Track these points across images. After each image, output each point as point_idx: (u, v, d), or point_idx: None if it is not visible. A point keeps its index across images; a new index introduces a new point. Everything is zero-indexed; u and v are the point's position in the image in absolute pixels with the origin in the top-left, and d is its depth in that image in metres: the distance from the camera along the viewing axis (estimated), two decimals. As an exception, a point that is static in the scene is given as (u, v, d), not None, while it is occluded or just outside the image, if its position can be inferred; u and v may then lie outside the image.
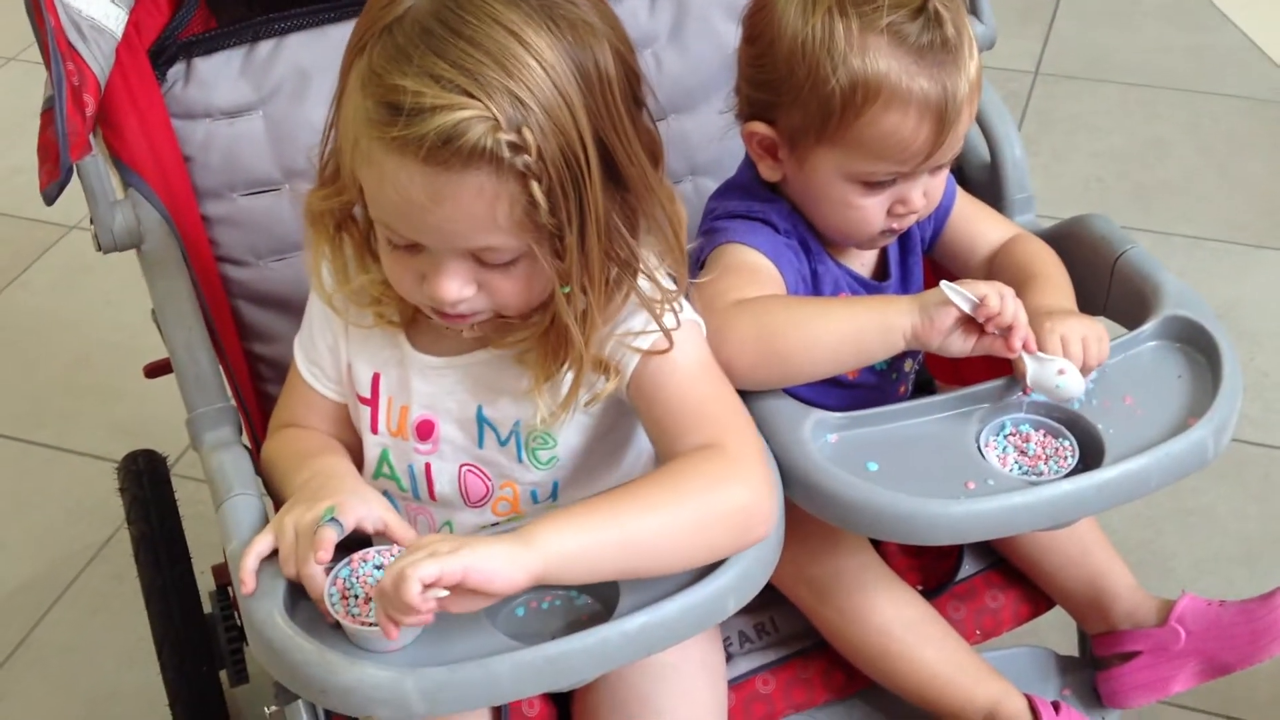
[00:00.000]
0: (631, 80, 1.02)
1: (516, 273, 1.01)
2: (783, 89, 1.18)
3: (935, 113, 1.14)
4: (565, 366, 1.05)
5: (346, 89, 0.99)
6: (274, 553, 1.01)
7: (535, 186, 0.94)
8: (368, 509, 1.03)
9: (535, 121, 0.93)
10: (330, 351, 1.17)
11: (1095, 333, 1.16)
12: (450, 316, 1.04)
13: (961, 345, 1.13)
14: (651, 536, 0.98)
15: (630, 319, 1.07)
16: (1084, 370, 1.14)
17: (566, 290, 1.00)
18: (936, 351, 1.14)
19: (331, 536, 0.98)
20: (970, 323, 1.12)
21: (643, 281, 1.05)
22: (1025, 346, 1.12)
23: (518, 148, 0.93)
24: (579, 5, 0.97)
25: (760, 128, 1.21)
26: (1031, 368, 1.13)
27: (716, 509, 1.01)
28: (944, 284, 1.12)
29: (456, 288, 1.00)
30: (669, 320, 1.06)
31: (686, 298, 1.12)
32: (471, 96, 0.92)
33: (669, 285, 1.07)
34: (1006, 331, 1.12)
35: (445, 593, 0.90)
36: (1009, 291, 1.12)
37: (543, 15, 0.95)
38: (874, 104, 1.13)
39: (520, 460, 1.13)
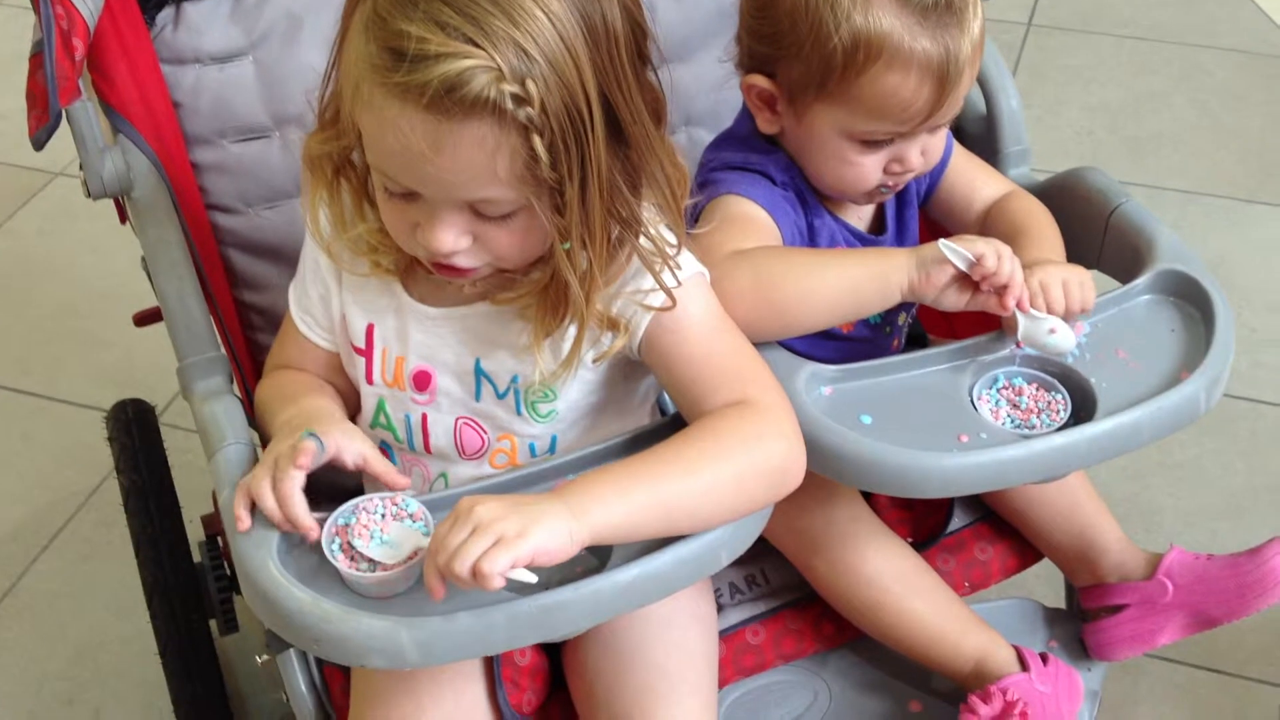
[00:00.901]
0: (638, 36, 1.00)
1: (514, 226, 1.00)
2: (784, 43, 1.17)
3: (937, 74, 1.13)
4: (566, 322, 1.05)
5: (349, 31, 0.98)
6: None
7: (537, 140, 0.93)
8: (349, 441, 1.05)
9: (540, 74, 0.92)
10: (322, 301, 1.16)
11: (1077, 278, 1.16)
12: (448, 269, 1.03)
13: (956, 300, 1.13)
14: (694, 498, 1.00)
15: (639, 277, 1.06)
16: (1067, 314, 1.14)
17: (567, 247, 0.99)
18: (931, 305, 1.15)
19: (312, 447, 1.00)
20: (966, 279, 1.12)
21: (644, 240, 1.04)
22: (1019, 305, 1.12)
23: (521, 100, 0.92)
24: None
25: (760, 80, 1.21)
26: (1023, 325, 1.13)
27: (756, 466, 1.02)
28: (941, 242, 1.11)
29: (451, 238, 1.00)
30: (669, 279, 1.05)
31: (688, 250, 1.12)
32: (476, 45, 0.91)
33: (669, 242, 1.06)
34: (1001, 290, 1.12)
35: (516, 570, 0.92)
36: (1007, 251, 1.12)
37: None
38: (875, 63, 1.12)
39: (519, 413, 1.12)
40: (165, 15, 1.30)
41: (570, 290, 1.02)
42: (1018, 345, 1.16)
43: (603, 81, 0.96)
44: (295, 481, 0.99)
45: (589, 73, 0.94)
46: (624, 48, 0.97)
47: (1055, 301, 1.14)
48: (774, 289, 1.13)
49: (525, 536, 0.92)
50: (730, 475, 1.01)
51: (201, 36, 1.31)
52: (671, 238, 1.07)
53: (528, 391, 1.11)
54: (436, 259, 1.02)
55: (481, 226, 1.00)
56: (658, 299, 1.05)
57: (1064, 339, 1.13)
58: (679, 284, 1.06)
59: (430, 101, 0.91)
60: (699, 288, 1.09)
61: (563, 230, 0.98)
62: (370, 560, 0.98)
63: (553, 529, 0.93)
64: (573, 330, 1.05)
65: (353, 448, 1.05)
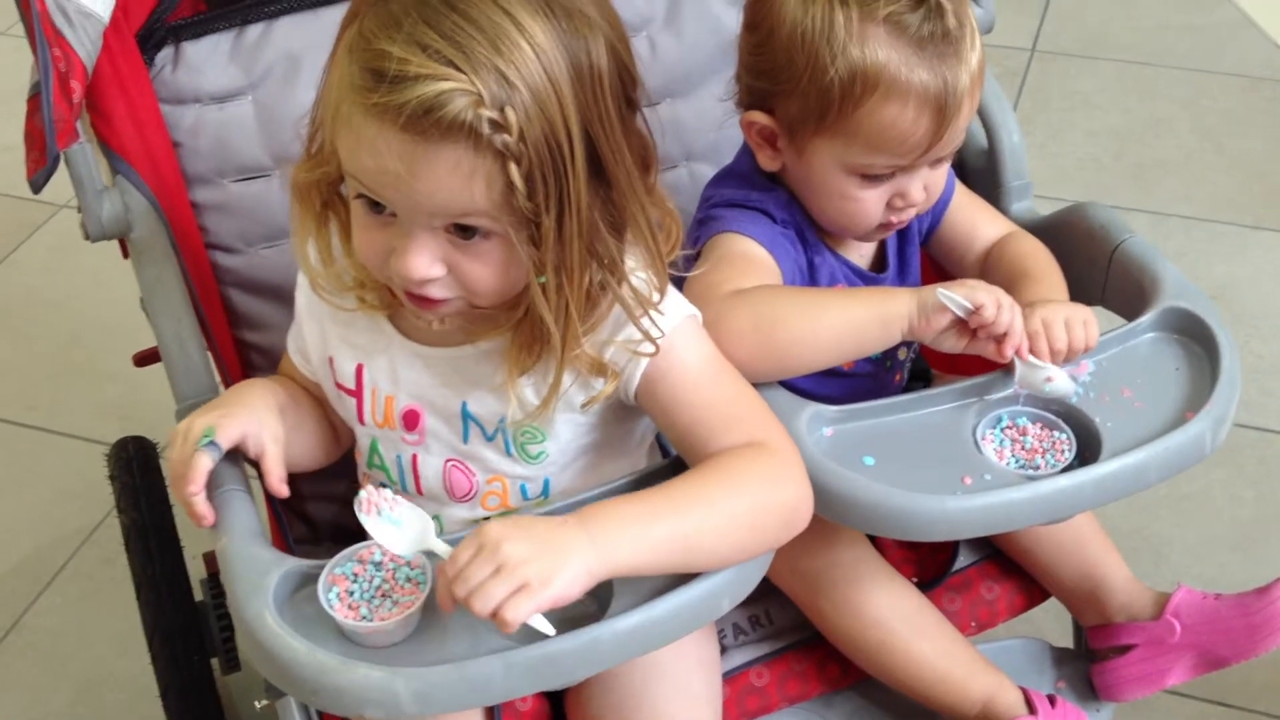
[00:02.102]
0: (625, 81, 1.00)
1: (489, 258, 0.99)
2: (782, 78, 1.16)
3: (935, 105, 1.12)
4: (540, 362, 1.04)
5: (335, 55, 0.98)
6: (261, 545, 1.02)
7: (514, 168, 0.93)
8: (257, 427, 1.07)
9: (520, 102, 0.92)
10: (313, 343, 1.17)
11: (1080, 316, 1.15)
12: (420, 300, 1.02)
13: (954, 344, 1.13)
14: (712, 536, 0.99)
15: (627, 327, 1.05)
16: (1070, 353, 1.14)
17: (542, 280, 0.98)
18: (931, 346, 1.14)
19: (205, 464, 1.03)
20: (965, 324, 1.12)
21: (627, 288, 1.03)
22: (1018, 353, 1.12)
23: (498, 126, 0.92)
24: None
25: (759, 117, 1.20)
26: (1021, 371, 1.13)
27: (770, 506, 1.03)
28: (940, 291, 1.11)
29: (425, 264, 0.98)
30: (651, 326, 1.04)
31: (679, 289, 1.11)
32: (457, 69, 0.91)
33: (648, 292, 1.05)
34: (999, 338, 1.11)
35: (540, 617, 0.93)
36: (1007, 300, 1.11)
37: (541, 2, 0.94)
38: (873, 95, 1.12)
39: (509, 454, 1.12)
40: (164, 55, 1.29)
41: (545, 327, 1.01)
42: (1021, 385, 1.15)
43: (585, 119, 0.95)
44: (198, 503, 1.03)
45: (572, 108, 0.94)
46: (609, 88, 0.97)
47: (1057, 339, 1.13)
48: (775, 330, 1.12)
49: (548, 585, 0.92)
50: (747, 514, 1.01)
51: (201, 76, 1.30)
52: (650, 289, 1.06)
53: (518, 433, 1.10)
54: (409, 287, 1.01)
55: (456, 256, 0.99)
56: (651, 347, 1.04)
57: (1061, 387, 1.12)
58: (662, 333, 1.05)
59: (407, 122, 0.91)
60: (692, 332, 1.08)
61: (538, 263, 0.97)
62: (369, 606, 0.97)
63: (574, 575, 0.93)
64: (552, 371, 1.04)
65: (257, 439, 1.07)
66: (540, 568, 0.92)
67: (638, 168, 1.02)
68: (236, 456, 1.09)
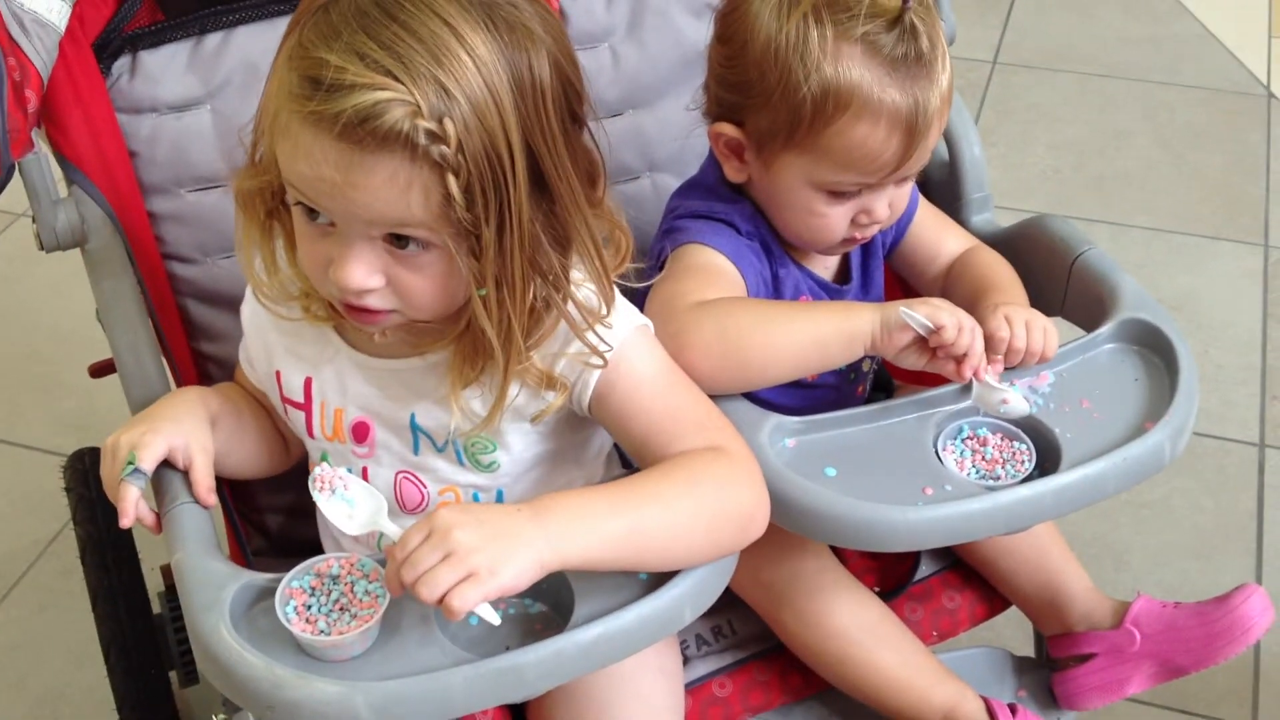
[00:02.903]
0: (570, 95, 0.99)
1: (428, 270, 0.98)
2: (753, 92, 1.16)
3: (905, 125, 1.13)
4: (481, 374, 1.03)
5: (276, 64, 0.98)
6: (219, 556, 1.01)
7: (451, 180, 0.92)
8: (184, 440, 1.06)
9: (459, 114, 0.91)
10: (258, 357, 1.16)
11: (1040, 322, 1.16)
12: (358, 312, 1.01)
13: (915, 361, 1.13)
14: (666, 536, 0.99)
15: (575, 341, 1.04)
16: (1027, 357, 1.14)
17: (483, 293, 0.98)
18: (891, 361, 1.14)
19: (132, 496, 1.03)
20: (926, 343, 1.12)
21: (572, 303, 1.03)
22: (975, 374, 1.12)
23: (436, 137, 0.91)
24: (521, 10, 0.95)
25: (727, 129, 1.20)
26: (977, 391, 1.14)
27: (728, 509, 1.02)
28: (903, 310, 1.11)
29: (362, 274, 0.97)
30: (599, 340, 1.04)
31: (640, 300, 1.11)
32: (395, 79, 0.90)
33: (596, 305, 1.05)
34: (959, 359, 1.11)
35: (490, 610, 0.93)
36: (969, 322, 1.11)
37: (482, 13, 0.93)
38: (844, 113, 1.12)
39: (461, 464, 1.11)
40: (121, 64, 1.28)
41: (488, 340, 1.00)
42: (982, 397, 1.16)
43: (527, 131, 0.95)
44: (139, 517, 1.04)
45: (513, 120, 0.93)
46: (551, 102, 0.96)
47: (1018, 338, 1.14)
48: (740, 343, 1.12)
49: (497, 575, 0.91)
50: (704, 516, 1.01)
51: (158, 85, 1.29)
52: (595, 301, 1.05)
53: (469, 443, 1.09)
54: (347, 298, 1.00)
55: (395, 268, 0.98)
56: (600, 359, 1.04)
57: (1016, 409, 1.13)
58: (610, 346, 1.04)
59: (343, 130, 0.91)
60: (643, 343, 1.08)
61: (478, 275, 0.97)
62: (327, 620, 0.96)
63: (524, 566, 0.92)
64: (499, 384, 1.03)
65: (185, 451, 1.06)
66: (490, 556, 0.91)
67: (583, 182, 1.01)
68: None
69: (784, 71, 1.13)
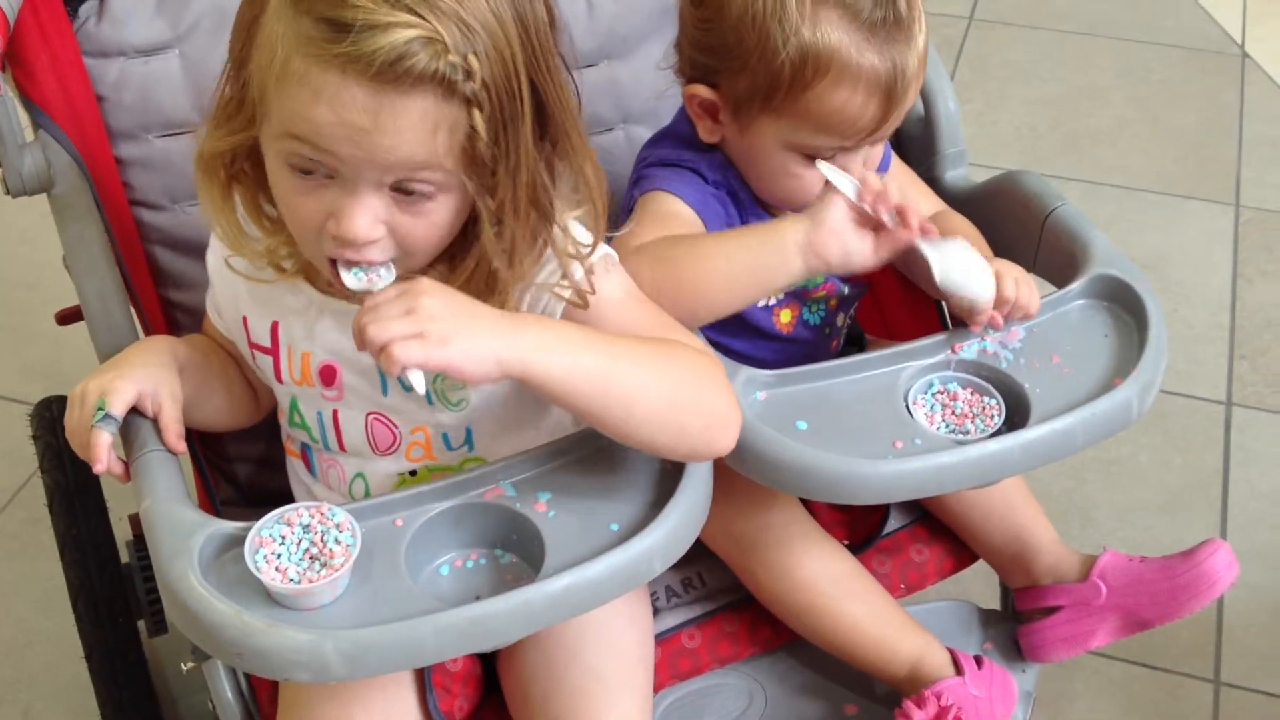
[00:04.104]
0: (556, 32, 1.00)
1: (430, 215, 0.98)
2: (729, 56, 1.15)
3: (884, 89, 1.12)
4: None
5: (266, 12, 0.95)
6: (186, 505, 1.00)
7: (478, 115, 0.92)
8: (153, 386, 1.06)
9: (481, 49, 0.92)
10: (226, 303, 1.16)
11: (1028, 279, 1.17)
12: (349, 267, 1.00)
13: (861, 246, 1.11)
14: (634, 388, 0.99)
15: (549, 265, 1.05)
16: (1014, 310, 1.15)
17: (495, 230, 0.98)
18: (840, 265, 1.12)
19: (105, 440, 1.02)
20: (864, 220, 1.11)
21: (557, 233, 1.03)
22: (924, 228, 1.11)
23: (467, 73, 0.91)
24: None
25: (702, 90, 1.19)
26: (935, 261, 1.12)
27: (695, 398, 1.02)
28: (820, 164, 1.10)
29: (367, 224, 0.97)
30: (578, 272, 1.04)
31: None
32: (421, 17, 0.89)
33: (582, 238, 1.05)
34: (901, 213, 1.10)
35: (420, 376, 0.93)
36: (887, 178, 1.11)
37: None
38: (824, 78, 1.11)
39: (430, 403, 1.11)
40: (88, 7, 1.26)
41: (499, 278, 1.00)
42: (953, 350, 1.16)
43: (530, 66, 0.95)
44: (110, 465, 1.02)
45: (520, 55, 0.94)
46: (549, 38, 0.97)
47: (1006, 289, 1.14)
48: (676, 273, 1.11)
49: (447, 345, 0.92)
50: (672, 389, 1.01)
51: (126, 29, 1.27)
52: (584, 235, 1.05)
53: (436, 379, 1.09)
54: (346, 251, 0.99)
55: (398, 217, 0.98)
56: (568, 291, 1.04)
57: (976, 266, 1.12)
58: (592, 281, 1.04)
59: (378, 72, 0.89)
60: (610, 269, 1.08)
61: (494, 211, 0.97)
62: (297, 569, 0.96)
63: (481, 354, 0.93)
64: None
65: (154, 396, 1.06)
66: (448, 326, 0.92)
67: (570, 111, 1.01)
68: None
69: (761, 36, 1.12)
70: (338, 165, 0.95)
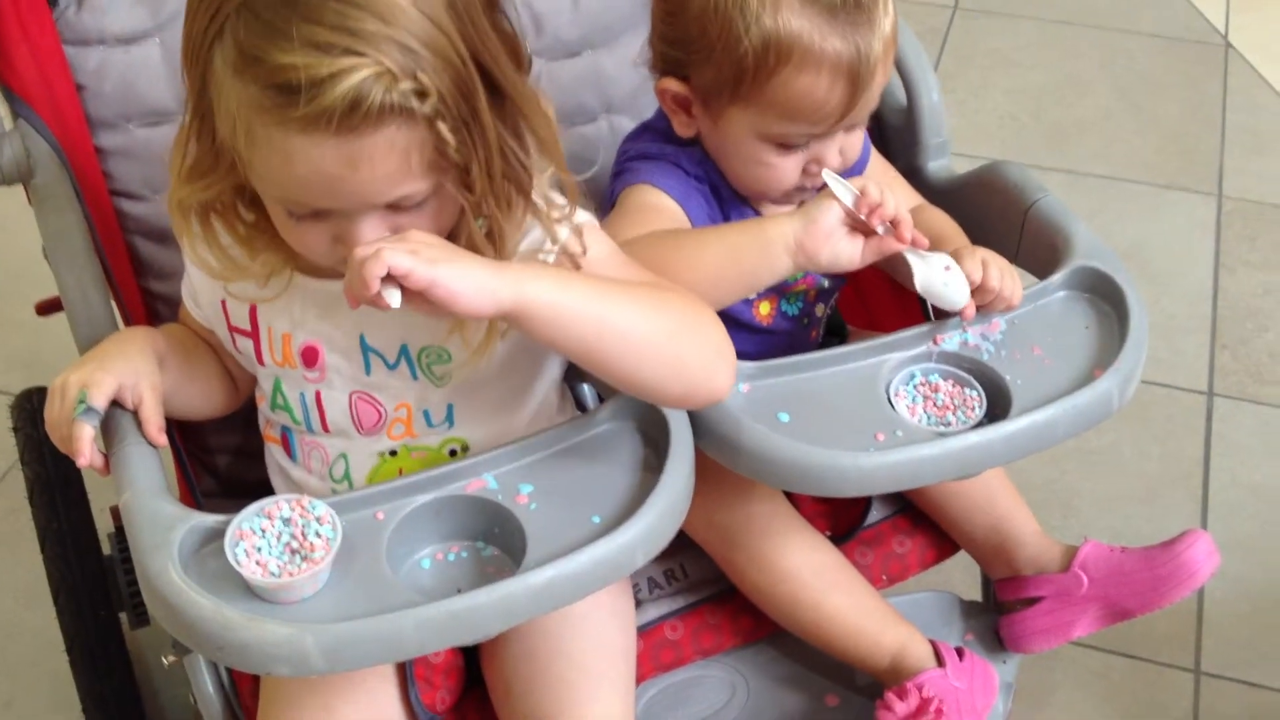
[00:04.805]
0: None
1: (429, 210, 0.99)
2: (695, 47, 1.15)
3: (848, 73, 1.12)
4: None
5: (214, 78, 0.94)
6: (167, 498, 1.00)
7: (443, 126, 0.92)
8: (134, 378, 1.05)
9: (427, 62, 0.91)
10: (203, 288, 1.15)
11: (1011, 271, 1.17)
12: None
13: (850, 250, 1.11)
14: (630, 324, 0.99)
15: (531, 233, 1.05)
16: (998, 301, 1.15)
17: (481, 223, 0.99)
18: (827, 266, 1.12)
19: (88, 433, 1.02)
20: (855, 226, 1.11)
21: (539, 200, 1.03)
22: (915, 240, 1.11)
23: (420, 94, 0.91)
24: None
25: (673, 84, 1.19)
26: (919, 269, 1.13)
27: (695, 331, 1.03)
28: (825, 173, 1.10)
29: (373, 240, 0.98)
30: (564, 232, 1.04)
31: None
32: (361, 55, 0.89)
33: (557, 198, 1.05)
34: (894, 225, 1.11)
35: (398, 293, 0.92)
36: (887, 190, 1.11)
37: None
38: (787, 65, 1.11)
39: (415, 379, 1.11)
40: (68, -6, 1.25)
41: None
42: (935, 342, 1.16)
43: (472, 47, 0.94)
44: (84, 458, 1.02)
45: (460, 44, 0.93)
46: (476, 6, 0.96)
47: (991, 278, 1.14)
48: (661, 270, 1.10)
49: (435, 263, 0.92)
50: (669, 324, 1.02)
51: (106, 17, 1.26)
52: (558, 198, 1.05)
53: (420, 354, 1.09)
54: None
55: (399, 219, 0.99)
56: (552, 257, 1.04)
57: (957, 281, 1.13)
58: (581, 240, 1.04)
59: (338, 124, 0.90)
60: (594, 233, 1.08)
61: (475, 206, 0.97)
62: (277, 562, 0.96)
63: (465, 272, 0.92)
64: None
65: (135, 389, 1.05)
66: (440, 253, 0.93)
67: (513, 64, 1.00)
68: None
69: (724, 25, 1.12)
70: (329, 207, 0.96)
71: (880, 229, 1.11)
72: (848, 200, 1.10)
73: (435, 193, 0.98)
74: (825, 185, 1.12)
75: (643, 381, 1.02)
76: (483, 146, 0.95)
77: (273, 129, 0.91)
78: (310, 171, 0.93)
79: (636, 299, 1.01)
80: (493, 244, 1.00)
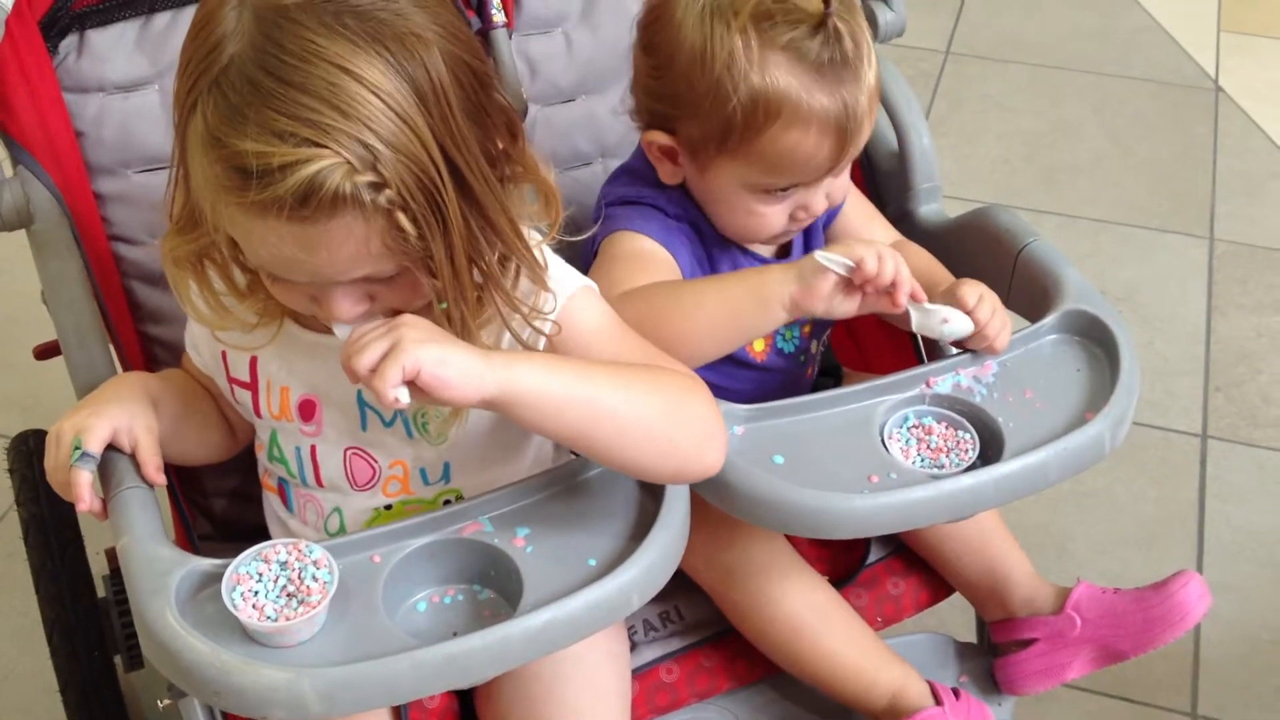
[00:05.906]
0: (467, 75, 0.97)
1: (403, 282, 1.00)
2: (682, 103, 1.17)
3: (836, 128, 1.14)
4: None
5: (188, 148, 0.95)
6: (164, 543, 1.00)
7: (401, 217, 0.92)
8: (128, 421, 1.06)
9: (386, 155, 0.91)
10: (203, 338, 1.16)
11: (1003, 312, 1.18)
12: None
13: (846, 307, 1.13)
14: (618, 408, 0.99)
15: (529, 299, 1.05)
16: (982, 339, 1.16)
17: (444, 306, 0.99)
18: (824, 316, 1.14)
19: (85, 479, 1.03)
20: (850, 283, 1.12)
21: (513, 278, 1.03)
22: (912, 297, 1.12)
23: (377, 185, 0.91)
24: (403, 13, 0.93)
25: (659, 137, 1.21)
26: (916, 318, 1.14)
27: (684, 411, 1.03)
28: (818, 254, 1.11)
29: (349, 307, 0.99)
30: (548, 303, 1.05)
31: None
32: (318, 145, 0.89)
33: (527, 289, 1.05)
34: (890, 290, 1.12)
35: (405, 389, 0.92)
36: (887, 250, 1.11)
37: (368, 40, 0.91)
38: (775, 122, 1.13)
39: (411, 437, 1.11)
40: (69, 43, 1.27)
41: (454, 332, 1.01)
42: (928, 385, 1.17)
43: (442, 141, 0.94)
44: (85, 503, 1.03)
45: (429, 137, 0.93)
46: (454, 99, 0.95)
47: (983, 311, 1.15)
48: (659, 327, 1.12)
49: (422, 345, 0.91)
50: (659, 405, 1.01)
51: (106, 65, 1.28)
52: (537, 257, 1.05)
53: (417, 413, 1.09)
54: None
55: (377, 289, 1.00)
56: (549, 325, 1.05)
57: (958, 326, 1.14)
58: (556, 304, 1.05)
59: (291, 211, 0.90)
60: (589, 299, 1.08)
61: (439, 292, 0.98)
62: (274, 606, 0.96)
63: (450, 359, 0.92)
64: None
65: (130, 431, 1.06)
66: (427, 336, 0.93)
67: (503, 138, 1.01)
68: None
69: (712, 83, 1.14)
70: (297, 281, 0.98)
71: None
72: (843, 272, 1.11)
73: (404, 272, 0.98)
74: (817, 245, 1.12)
75: (634, 463, 1.02)
76: (444, 237, 0.95)
77: (234, 208, 0.93)
78: (269, 251, 0.95)
79: (627, 382, 1.01)
80: (453, 328, 1.00)
